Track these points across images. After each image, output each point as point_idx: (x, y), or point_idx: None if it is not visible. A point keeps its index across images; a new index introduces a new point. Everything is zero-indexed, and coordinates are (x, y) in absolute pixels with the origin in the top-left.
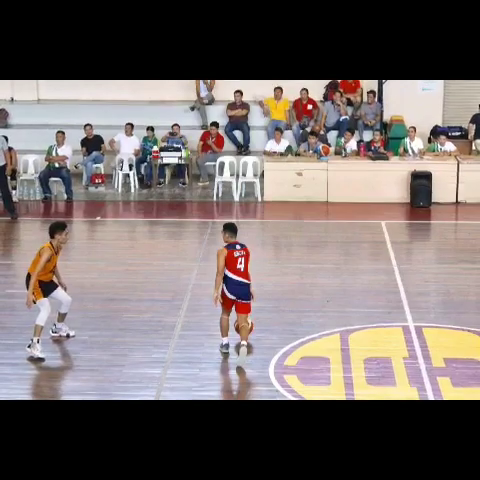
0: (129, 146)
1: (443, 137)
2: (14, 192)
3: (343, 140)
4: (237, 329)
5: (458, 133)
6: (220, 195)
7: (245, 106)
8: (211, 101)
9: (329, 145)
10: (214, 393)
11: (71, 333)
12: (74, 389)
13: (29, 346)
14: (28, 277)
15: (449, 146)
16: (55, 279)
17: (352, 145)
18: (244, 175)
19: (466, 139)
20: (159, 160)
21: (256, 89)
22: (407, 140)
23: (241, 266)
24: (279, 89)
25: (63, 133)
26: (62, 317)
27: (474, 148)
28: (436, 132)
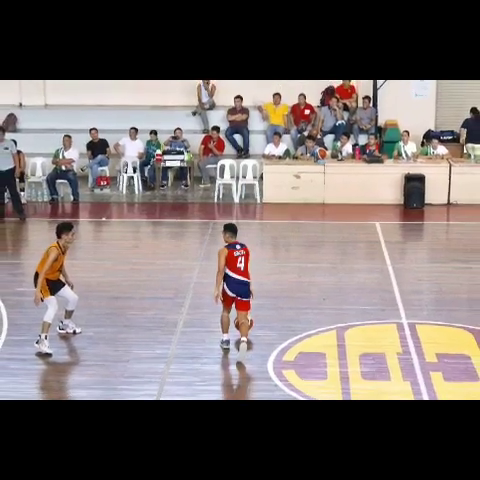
0: (133, 149)
1: (436, 141)
2: (22, 194)
3: (339, 144)
4: (237, 326)
5: (450, 137)
6: (221, 197)
7: (245, 111)
8: (212, 106)
9: (326, 149)
10: (215, 387)
11: (77, 330)
12: (80, 383)
13: (37, 342)
14: (36, 276)
15: (441, 149)
16: (62, 278)
17: (348, 149)
18: (244, 177)
19: (458, 143)
20: (162, 163)
21: (255, 94)
22: (401, 144)
23: (241, 265)
24: (278, 95)
25: (70, 137)
26: (69, 314)
27: (465, 151)
28: (429, 136)
